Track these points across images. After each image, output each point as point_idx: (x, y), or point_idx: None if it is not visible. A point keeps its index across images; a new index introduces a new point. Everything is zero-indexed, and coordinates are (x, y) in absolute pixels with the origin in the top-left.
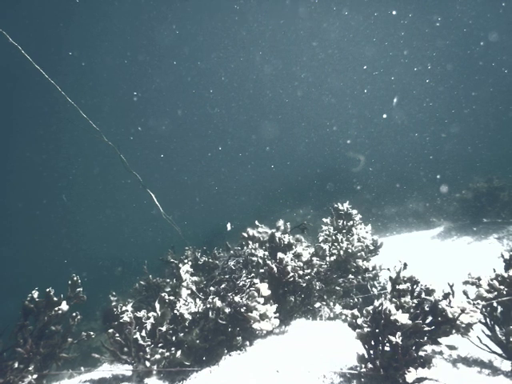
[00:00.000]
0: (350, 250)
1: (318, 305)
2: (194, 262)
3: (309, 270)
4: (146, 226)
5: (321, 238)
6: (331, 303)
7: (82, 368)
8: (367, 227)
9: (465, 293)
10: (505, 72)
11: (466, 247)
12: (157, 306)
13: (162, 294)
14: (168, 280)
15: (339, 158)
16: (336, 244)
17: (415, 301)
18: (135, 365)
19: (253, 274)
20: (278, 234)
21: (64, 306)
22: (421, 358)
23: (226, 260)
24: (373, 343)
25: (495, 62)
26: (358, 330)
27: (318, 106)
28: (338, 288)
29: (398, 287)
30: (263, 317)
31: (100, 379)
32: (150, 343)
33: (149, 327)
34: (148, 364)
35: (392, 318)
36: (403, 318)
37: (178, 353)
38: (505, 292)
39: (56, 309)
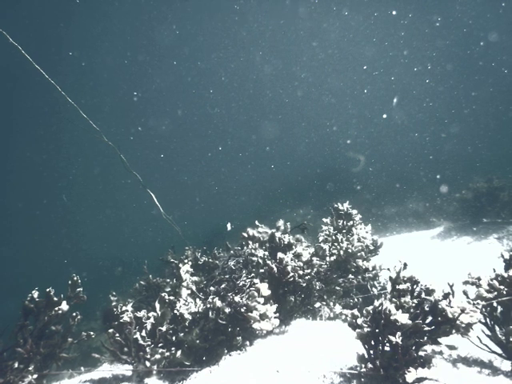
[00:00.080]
0: (350, 250)
1: (318, 305)
2: (194, 262)
3: (309, 270)
4: (146, 226)
5: (321, 238)
6: (331, 303)
7: (82, 368)
8: (367, 227)
9: (465, 293)
10: (505, 72)
11: (466, 247)
12: (157, 305)
13: (162, 294)
14: (168, 280)
15: (339, 158)
16: (336, 244)
17: (415, 301)
18: (135, 365)
19: (253, 274)
20: (278, 234)
21: (64, 306)
22: (421, 357)
23: (226, 260)
24: (373, 343)
25: (495, 62)
26: (358, 330)
27: (318, 106)
28: (337, 288)
29: (397, 287)
30: (263, 317)
31: (100, 379)
32: (150, 343)
33: (149, 327)
34: (148, 364)
35: (392, 317)
36: (403, 318)
37: (178, 353)
38: (505, 292)
39: (56, 309)
